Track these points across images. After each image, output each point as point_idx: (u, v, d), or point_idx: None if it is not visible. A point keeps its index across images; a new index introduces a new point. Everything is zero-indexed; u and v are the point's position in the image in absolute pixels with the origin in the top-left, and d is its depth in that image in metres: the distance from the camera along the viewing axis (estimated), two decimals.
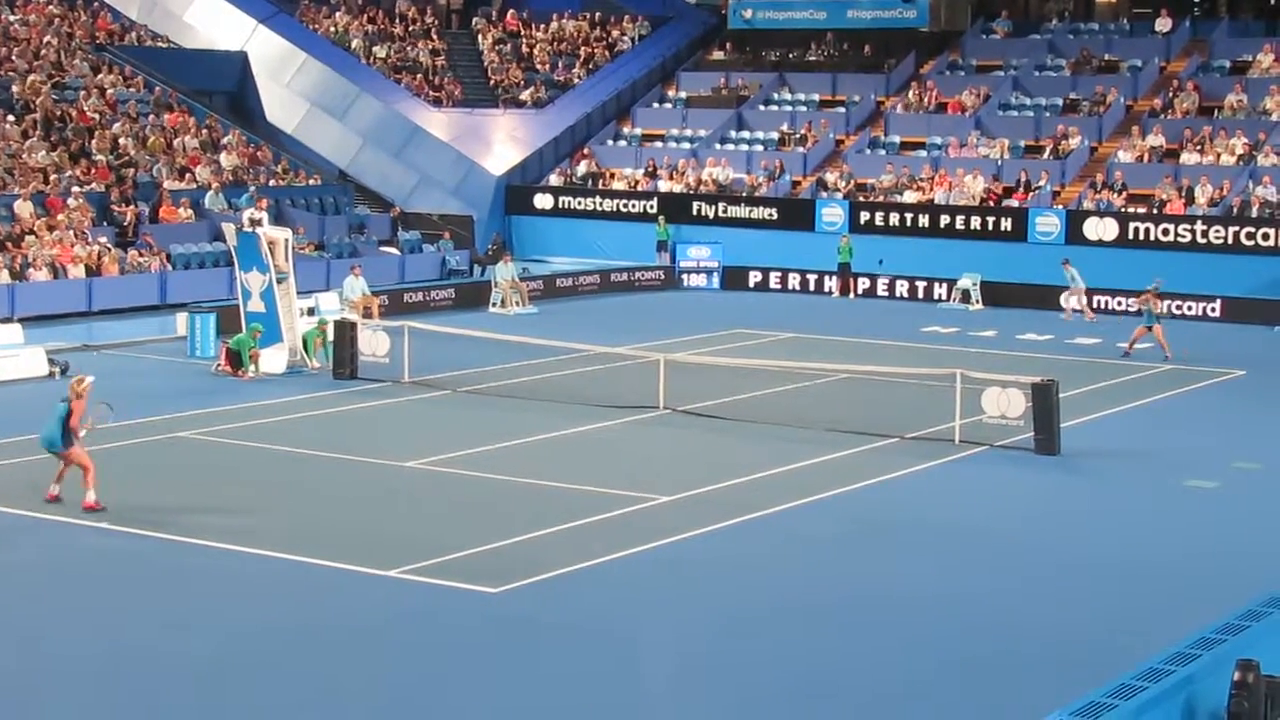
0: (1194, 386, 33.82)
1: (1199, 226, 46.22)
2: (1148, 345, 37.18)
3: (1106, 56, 55.67)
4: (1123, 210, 47.47)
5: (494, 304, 44.72)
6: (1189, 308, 44.30)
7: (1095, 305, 44.91)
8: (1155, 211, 47.15)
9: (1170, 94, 52.35)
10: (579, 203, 54.66)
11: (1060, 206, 48.61)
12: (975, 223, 48.79)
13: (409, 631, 17.72)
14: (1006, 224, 48.48)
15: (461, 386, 32.31)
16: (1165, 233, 46.43)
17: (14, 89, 47.83)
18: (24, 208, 41.91)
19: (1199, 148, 49.54)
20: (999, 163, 51.16)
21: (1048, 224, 47.87)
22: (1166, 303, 41.42)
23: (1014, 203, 49.18)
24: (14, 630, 17.47)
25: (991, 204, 49.41)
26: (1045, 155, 51.26)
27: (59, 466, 22.49)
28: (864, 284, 48.41)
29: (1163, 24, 56.18)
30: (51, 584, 19.46)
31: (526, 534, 21.44)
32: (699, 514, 22.61)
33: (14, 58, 49.79)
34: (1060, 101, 53.56)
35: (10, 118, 46.30)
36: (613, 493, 23.71)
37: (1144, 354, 37.32)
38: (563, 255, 53.48)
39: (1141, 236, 46.68)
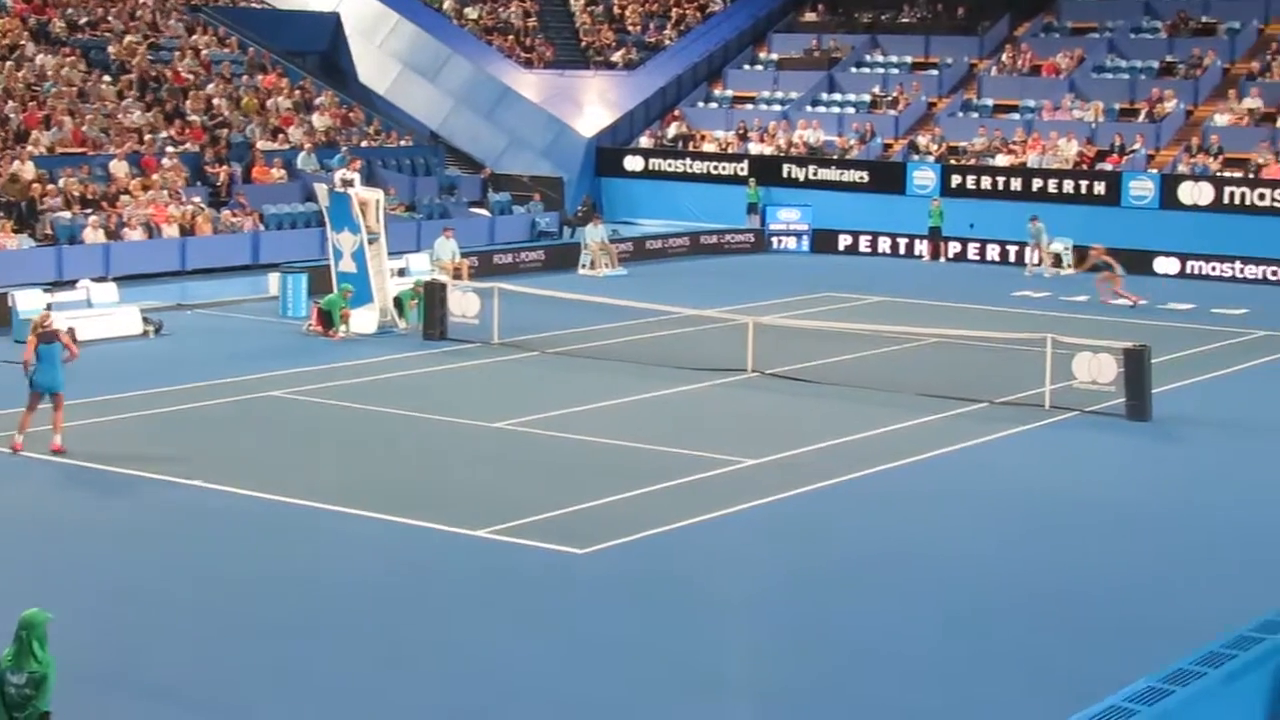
0: None
1: None
2: (1124, 302, 38.46)
3: (1203, 18, 54.92)
4: (1219, 174, 46.89)
5: (583, 266, 44.78)
6: None
7: (1192, 270, 44.59)
8: (1252, 176, 46.55)
9: (1269, 56, 51.61)
10: (669, 165, 54.54)
11: (1155, 170, 48.07)
12: (1068, 186, 48.32)
13: (496, 591, 17.82)
14: (1100, 188, 47.98)
15: (550, 348, 32.40)
16: (1261, 197, 45.80)
17: (110, 49, 48.25)
18: (119, 167, 42.29)
19: None
20: (1093, 126, 50.64)
21: (1142, 188, 47.34)
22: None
23: (1108, 166, 48.67)
24: (110, 585, 17.69)
25: (1085, 168, 48.94)
26: (1140, 118, 50.69)
27: (54, 414, 23.09)
28: (954, 248, 48.11)
29: None
30: (145, 540, 19.68)
31: (614, 495, 21.50)
32: (787, 477, 22.58)
33: (110, 18, 50.22)
34: (1156, 64, 52.92)
35: (106, 78, 46.71)
36: (700, 455, 23.72)
37: (1235, 319, 36.96)
38: (652, 218, 53.41)
39: (1238, 201, 46.06)
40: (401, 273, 36.98)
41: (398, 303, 34.67)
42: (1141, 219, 46.44)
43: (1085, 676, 15.16)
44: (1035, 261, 45.57)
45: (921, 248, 48.45)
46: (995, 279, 44.45)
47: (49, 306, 24.02)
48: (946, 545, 19.82)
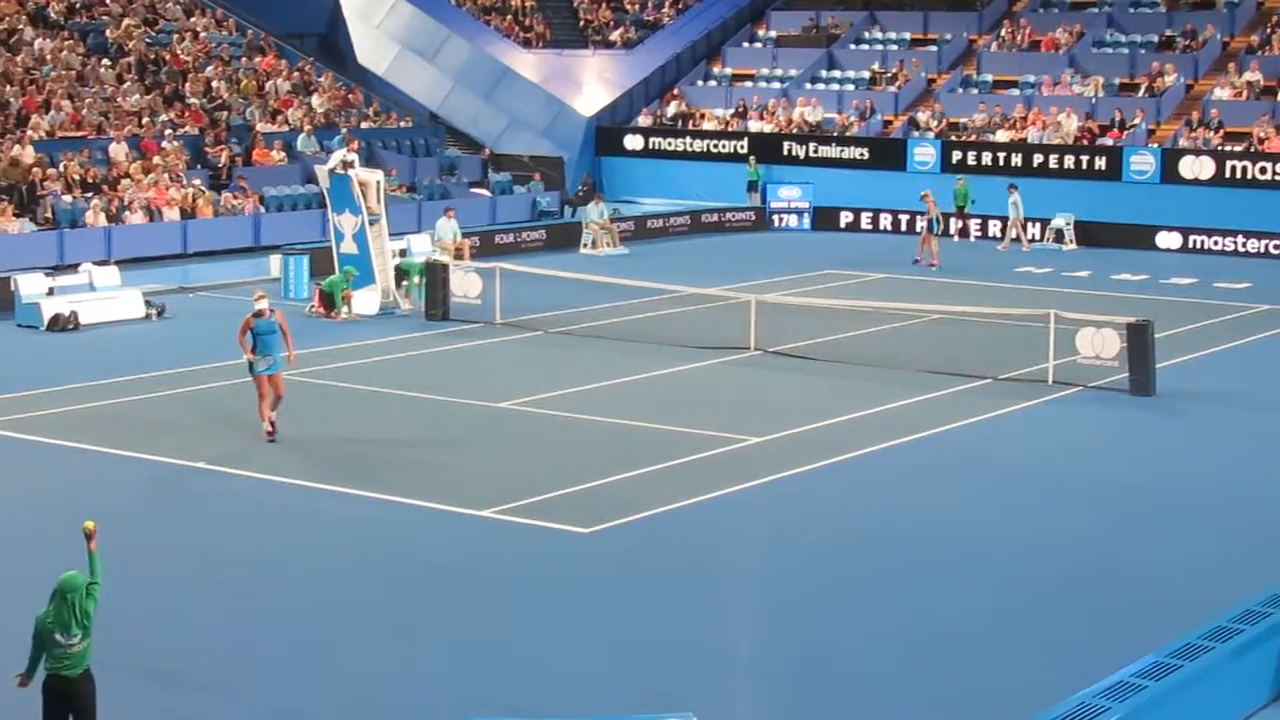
0: None
1: None
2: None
3: None
4: (1219, 149, 46.85)
5: (585, 245, 44.77)
6: None
7: (1194, 245, 44.65)
8: (1253, 150, 46.51)
9: (1268, 30, 51.49)
10: (669, 143, 54.49)
11: (1155, 145, 48.01)
12: (1069, 162, 48.26)
13: (501, 571, 17.85)
14: (1101, 163, 47.93)
15: (553, 328, 32.40)
16: (1263, 171, 45.73)
17: (108, 33, 48.16)
18: (119, 151, 42.26)
19: None
20: (1093, 101, 50.58)
21: (1143, 163, 47.29)
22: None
23: (1108, 141, 48.61)
24: (110, 568, 17.65)
25: (1085, 143, 48.88)
26: (1140, 93, 50.60)
27: (270, 394, 23.13)
28: (955, 225, 48.02)
29: None
30: (147, 521, 19.71)
31: (618, 474, 21.51)
32: (790, 455, 22.60)
33: (108, 1, 50.12)
34: (1155, 38, 52.86)
35: (105, 61, 46.64)
36: (704, 433, 23.73)
37: (1238, 294, 36.99)
38: (653, 196, 53.37)
39: (1239, 175, 46.02)
40: (402, 253, 36.97)
41: (404, 274, 34.64)
42: (1142, 194, 46.44)
43: (1091, 652, 15.18)
44: (1013, 235, 45.77)
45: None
46: (997, 255, 44.42)
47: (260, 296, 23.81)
48: (951, 521, 19.83)
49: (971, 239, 47.64)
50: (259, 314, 23.01)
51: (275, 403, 23.16)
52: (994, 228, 47.43)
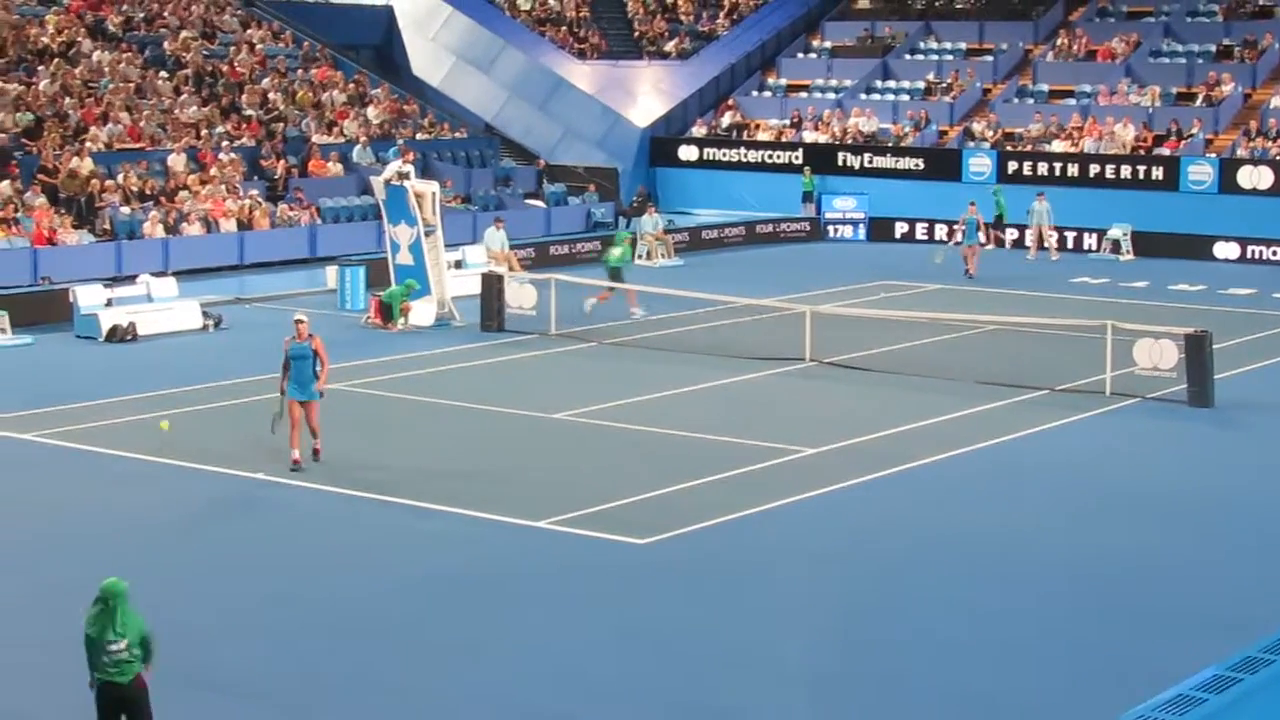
0: None
1: None
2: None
3: (1260, 1, 54.51)
4: (1278, 158, 46.52)
5: (639, 256, 44.79)
6: None
7: (1252, 255, 44.43)
8: None
9: None
10: (723, 154, 54.49)
11: (1213, 155, 47.74)
12: (1126, 172, 48.03)
13: (558, 582, 17.84)
14: (1158, 173, 47.68)
15: (608, 339, 32.42)
16: None
17: (166, 45, 48.47)
18: (177, 162, 42.53)
19: None
20: (1150, 110, 50.32)
21: (1200, 173, 47.02)
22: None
23: (1165, 151, 48.37)
24: (172, 578, 17.76)
25: (1142, 153, 48.65)
26: (1198, 102, 50.33)
27: (303, 421, 22.17)
28: (1012, 235, 47.87)
29: None
30: (204, 533, 19.80)
31: (673, 485, 21.49)
32: (845, 466, 22.55)
33: (165, 14, 50.45)
34: (1213, 47, 52.55)
35: (163, 74, 46.94)
36: (758, 445, 23.70)
37: None
38: (707, 207, 53.37)
39: None
40: (458, 264, 37.06)
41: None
42: (1200, 204, 46.20)
43: (1150, 665, 15.09)
44: (1043, 243, 45.78)
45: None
46: (1054, 265, 44.25)
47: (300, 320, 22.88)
48: (1008, 533, 19.73)
49: (1007, 248, 47.47)
50: (297, 336, 22.21)
51: (314, 432, 22.21)
52: (1049, 237, 47.20)
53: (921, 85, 55.45)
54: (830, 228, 50.81)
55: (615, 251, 36.48)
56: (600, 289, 34.98)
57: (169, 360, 30.26)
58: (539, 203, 49.68)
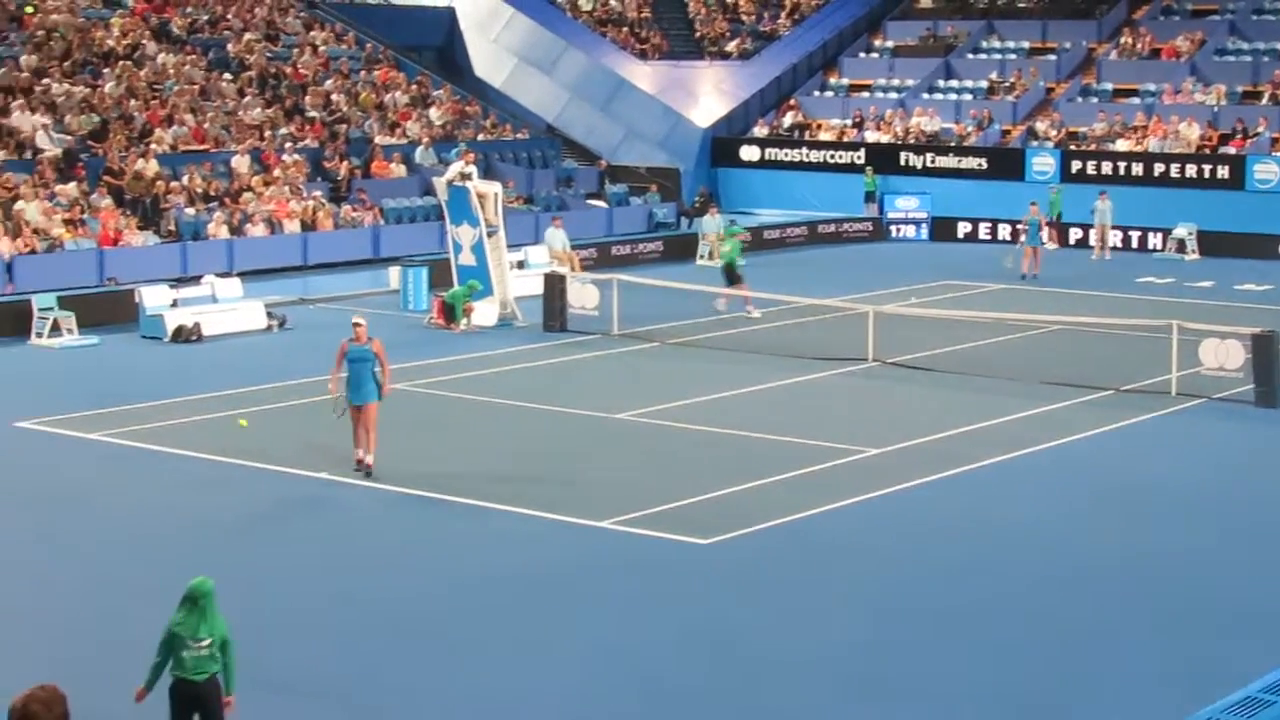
0: None
1: None
2: None
3: None
4: None
5: (701, 256, 44.77)
6: None
7: None
8: None
9: None
10: (785, 154, 54.39)
11: (1279, 154, 47.36)
12: (1191, 171, 47.69)
13: (619, 582, 17.85)
14: (1223, 172, 47.33)
15: (670, 339, 32.42)
16: None
17: (230, 47, 48.77)
18: (241, 163, 42.77)
19: None
20: (1215, 109, 49.95)
21: (1267, 171, 46.65)
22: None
23: (1231, 150, 48.02)
24: (236, 577, 17.84)
25: (1208, 151, 48.31)
26: (1264, 101, 49.93)
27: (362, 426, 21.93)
28: (1076, 234, 47.62)
29: None
30: (270, 531, 19.92)
31: (736, 486, 21.48)
32: (908, 467, 22.48)
33: (229, 16, 50.76)
34: (1279, 45, 52.13)
35: (227, 76, 47.21)
36: (822, 445, 23.65)
37: None
38: (769, 207, 53.28)
39: None
40: (520, 265, 37.12)
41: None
42: (1266, 203, 45.83)
43: (1214, 668, 14.96)
44: (1102, 244, 45.88)
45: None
46: (1118, 265, 44.02)
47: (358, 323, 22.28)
48: (1072, 534, 19.63)
49: (1070, 246, 47.26)
50: (355, 339, 21.88)
51: (369, 441, 21.83)
52: (1114, 237, 46.96)
53: (984, 84, 55.22)
54: (892, 228, 50.68)
55: (725, 248, 36.44)
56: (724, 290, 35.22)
57: (233, 360, 30.44)
58: (601, 203, 49.73)
